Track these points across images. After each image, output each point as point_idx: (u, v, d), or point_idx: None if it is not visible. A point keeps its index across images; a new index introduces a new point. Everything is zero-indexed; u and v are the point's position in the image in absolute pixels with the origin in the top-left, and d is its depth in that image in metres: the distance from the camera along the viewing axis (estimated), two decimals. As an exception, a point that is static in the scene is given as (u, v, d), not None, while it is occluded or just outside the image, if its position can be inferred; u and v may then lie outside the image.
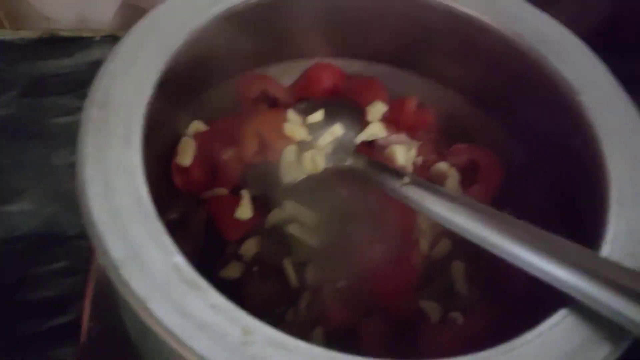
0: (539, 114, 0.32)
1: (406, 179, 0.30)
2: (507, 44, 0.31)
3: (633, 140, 0.27)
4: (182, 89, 0.33)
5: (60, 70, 0.56)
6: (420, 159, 0.36)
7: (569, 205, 0.31)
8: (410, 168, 0.35)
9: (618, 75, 0.53)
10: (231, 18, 0.30)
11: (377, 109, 0.36)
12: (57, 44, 0.57)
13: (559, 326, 0.22)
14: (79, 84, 0.55)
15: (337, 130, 0.35)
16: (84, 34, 0.57)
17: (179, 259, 0.20)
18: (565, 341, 0.21)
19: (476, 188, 0.35)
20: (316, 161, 0.34)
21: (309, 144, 0.35)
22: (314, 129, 0.36)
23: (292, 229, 0.34)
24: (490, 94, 0.36)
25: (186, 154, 0.34)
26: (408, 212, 0.33)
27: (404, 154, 0.34)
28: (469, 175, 0.35)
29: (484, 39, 0.32)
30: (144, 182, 0.22)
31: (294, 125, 0.34)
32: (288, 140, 0.34)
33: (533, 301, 0.31)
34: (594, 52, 0.31)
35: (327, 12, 0.34)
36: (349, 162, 0.34)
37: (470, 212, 0.26)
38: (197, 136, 0.36)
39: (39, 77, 0.55)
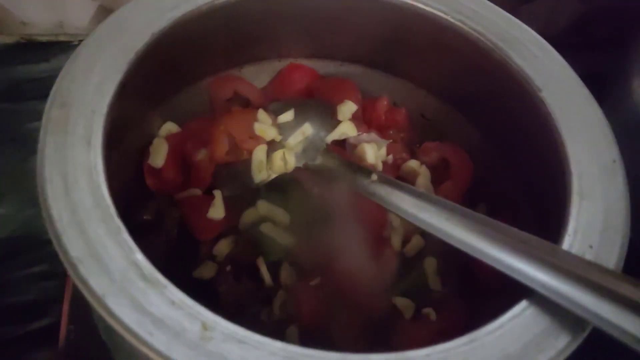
0: (505, 111, 0.33)
1: (374, 177, 0.30)
2: (471, 43, 0.31)
3: (593, 135, 0.27)
4: (152, 90, 0.33)
5: (37, 75, 0.56)
6: (390, 158, 0.36)
7: (537, 197, 0.31)
8: (380, 166, 0.35)
9: (590, 69, 0.54)
10: (197, 20, 0.30)
11: (347, 108, 0.36)
12: (34, 48, 0.57)
13: (519, 317, 0.22)
14: (57, 89, 0.55)
15: (307, 129, 0.35)
16: (61, 39, 0.57)
17: (138, 256, 0.20)
18: (526, 331, 0.22)
19: (447, 185, 0.35)
20: (287, 160, 0.34)
21: (280, 144, 0.35)
22: (284, 128, 0.36)
23: (265, 228, 0.34)
24: (459, 92, 0.37)
25: (158, 155, 0.34)
26: (380, 210, 0.34)
27: (373, 152, 0.35)
28: (440, 173, 0.36)
29: (449, 38, 0.32)
30: (105, 181, 0.22)
31: (264, 125, 0.35)
32: (259, 140, 0.35)
33: (505, 295, 0.31)
34: (555, 49, 0.31)
35: (298, 14, 0.34)
36: (319, 160, 0.34)
37: (435, 208, 0.26)
38: (170, 137, 0.36)
39: (16, 82, 0.55)
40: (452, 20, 0.32)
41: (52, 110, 0.23)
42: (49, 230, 0.21)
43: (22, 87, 0.55)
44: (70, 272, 0.20)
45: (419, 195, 0.27)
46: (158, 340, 0.18)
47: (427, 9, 0.32)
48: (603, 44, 0.61)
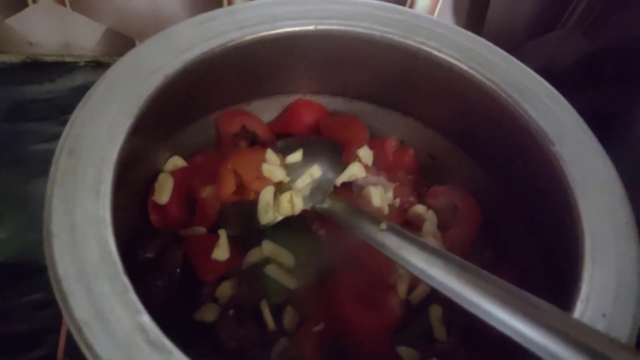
0: (516, 159, 0.32)
1: (383, 225, 0.29)
2: (483, 91, 0.31)
3: (607, 195, 0.27)
4: (159, 127, 0.33)
5: (42, 96, 0.55)
6: (397, 201, 0.35)
7: (547, 251, 0.31)
8: (386, 210, 0.35)
9: (596, 106, 0.54)
10: (210, 60, 0.29)
11: (365, 153, 0.36)
12: (39, 69, 0.57)
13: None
14: (60, 110, 0.54)
15: (316, 171, 0.35)
16: (67, 59, 0.57)
17: (145, 319, 0.20)
18: None
19: (455, 231, 0.35)
20: (294, 203, 0.33)
21: (288, 185, 0.35)
22: (292, 169, 0.35)
23: (269, 270, 0.33)
24: (469, 136, 0.36)
25: (164, 192, 0.34)
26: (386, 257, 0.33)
27: (380, 195, 0.34)
28: (447, 217, 0.35)
29: (461, 85, 0.32)
30: (112, 235, 0.22)
31: (272, 166, 0.34)
32: (266, 180, 0.34)
33: (511, 347, 0.31)
34: (560, 85, 0.31)
35: (308, 54, 0.34)
36: (326, 204, 0.34)
37: (445, 265, 0.26)
38: (175, 172, 0.35)
39: (20, 102, 0.54)
40: (465, 68, 0.31)
41: (61, 159, 0.23)
42: (54, 287, 0.20)
43: (26, 108, 0.54)
44: (75, 334, 0.19)
45: (428, 250, 0.27)
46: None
47: (441, 55, 0.32)
48: (609, 81, 0.61)
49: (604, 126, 0.48)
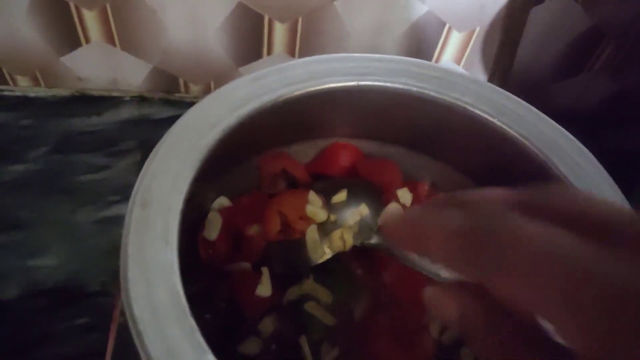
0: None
1: None
2: (514, 145, 0.33)
3: None
4: (210, 171, 0.35)
5: (89, 128, 0.58)
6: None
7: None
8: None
9: (621, 147, 0.55)
10: (261, 114, 0.32)
11: (404, 194, 0.38)
12: (87, 102, 0.60)
13: None
14: (107, 142, 0.57)
15: (364, 210, 0.37)
16: (114, 94, 0.60)
17: (210, 357, 0.22)
18: None
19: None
20: (345, 239, 0.35)
21: (333, 223, 0.37)
22: (336, 208, 0.38)
23: (309, 307, 0.35)
24: (499, 183, 0.38)
25: (213, 228, 0.36)
26: (420, 297, 0.35)
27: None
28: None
29: (494, 138, 0.34)
30: (180, 280, 0.24)
31: (315, 207, 0.36)
32: (309, 220, 0.36)
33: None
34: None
35: (348, 105, 0.37)
36: (375, 239, 0.36)
37: None
38: (223, 211, 0.38)
39: (69, 134, 0.58)
40: (497, 123, 0.34)
41: (134, 210, 0.26)
42: (131, 327, 0.22)
43: (74, 140, 0.57)
44: (151, 372, 0.21)
45: None
46: None
47: (475, 110, 0.34)
48: (634, 122, 0.62)
49: (629, 164, 0.49)
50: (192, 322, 0.23)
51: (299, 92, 0.33)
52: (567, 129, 0.33)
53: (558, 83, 0.61)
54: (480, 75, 0.58)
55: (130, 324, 0.22)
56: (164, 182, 0.27)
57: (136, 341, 0.22)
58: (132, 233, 0.25)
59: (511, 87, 0.35)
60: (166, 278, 0.24)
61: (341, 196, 0.37)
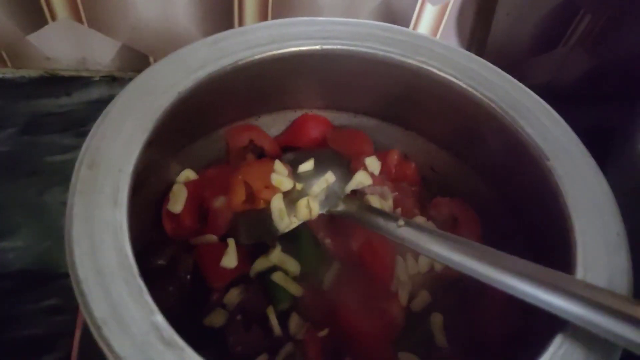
0: (514, 173, 0.34)
1: (401, 222, 0.31)
2: (482, 108, 0.32)
3: (599, 207, 0.28)
4: (172, 141, 0.35)
5: (59, 109, 0.57)
6: (398, 211, 0.37)
7: (542, 259, 0.32)
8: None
9: (599, 122, 0.55)
10: (220, 78, 0.31)
11: (372, 162, 0.38)
12: (56, 83, 0.59)
13: (560, 350, 0.23)
14: (77, 123, 0.56)
15: (330, 177, 0.36)
16: (83, 74, 0.59)
17: (159, 318, 0.21)
18: None
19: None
20: (312, 208, 0.35)
21: (300, 192, 0.36)
22: (304, 177, 0.37)
23: (276, 278, 0.35)
24: (470, 150, 0.38)
25: (178, 201, 0.36)
26: (387, 264, 0.35)
27: (379, 203, 0.36)
28: (448, 228, 0.37)
29: (460, 102, 0.33)
30: (129, 240, 0.23)
31: (281, 175, 0.36)
32: (274, 190, 0.36)
33: (510, 354, 0.32)
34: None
35: (314, 72, 0.36)
36: (341, 207, 0.35)
37: (465, 249, 0.27)
38: (188, 184, 0.37)
39: (38, 115, 0.56)
40: (464, 85, 0.33)
41: (81, 170, 0.25)
42: (75, 289, 0.21)
43: (43, 120, 0.56)
44: (94, 332, 0.20)
45: (449, 238, 0.29)
46: (175, 405, 0.19)
47: (440, 73, 0.33)
48: (612, 97, 0.62)
49: (606, 141, 0.49)
50: (141, 283, 0.22)
51: (259, 56, 0.32)
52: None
53: (535, 58, 0.60)
54: (456, 49, 0.58)
55: (74, 285, 0.22)
56: (115, 144, 0.26)
57: (80, 304, 0.21)
58: (78, 193, 0.24)
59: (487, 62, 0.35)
60: (114, 238, 0.23)
61: (308, 165, 0.37)
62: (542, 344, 0.25)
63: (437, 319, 0.34)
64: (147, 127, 0.27)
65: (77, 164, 0.25)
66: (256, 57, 0.32)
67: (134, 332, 0.21)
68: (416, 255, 0.36)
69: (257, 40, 0.33)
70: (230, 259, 0.34)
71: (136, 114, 0.27)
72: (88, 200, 0.24)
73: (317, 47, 0.33)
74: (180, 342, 0.21)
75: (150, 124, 0.27)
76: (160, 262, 0.35)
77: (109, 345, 0.20)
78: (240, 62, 0.31)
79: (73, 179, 0.25)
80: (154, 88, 0.29)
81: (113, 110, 0.27)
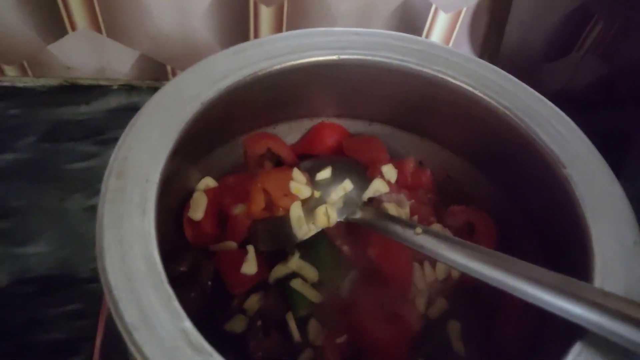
0: (530, 180, 0.34)
1: (418, 229, 0.31)
2: (497, 116, 0.33)
3: (616, 215, 0.28)
4: (193, 150, 0.35)
5: (78, 117, 0.58)
6: (415, 219, 0.37)
7: (560, 269, 0.32)
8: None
9: (612, 127, 0.55)
10: (241, 88, 0.32)
11: (388, 170, 0.38)
12: (76, 91, 0.60)
13: (579, 358, 0.24)
14: (96, 131, 0.57)
15: (347, 185, 0.37)
16: (102, 83, 0.60)
17: (187, 324, 0.22)
18: None
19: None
20: (330, 215, 0.35)
21: (315, 201, 0.37)
22: (322, 185, 0.37)
23: (295, 284, 0.35)
24: (486, 157, 0.38)
25: (198, 209, 0.36)
26: (405, 271, 0.35)
27: (395, 211, 0.36)
28: (464, 237, 0.37)
29: (476, 110, 0.34)
30: (157, 248, 0.24)
31: (299, 184, 0.36)
32: (293, 197, 0.36)
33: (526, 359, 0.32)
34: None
35: (330, 81, 0.36)
36: (359, 215, 0.36)
37: (482, 257, 0.28)
38: (208, 192, 0.38)
39: (58, 123, 0.58)
40: (479, 94, 0.33)
41: (110, 180, 0.25)
42: (106, 296, 0.22)
43: (63, 129, 0.57)
44: (125, 337, 0.21)
45: (467, 246, 0.29)
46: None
47: (456, 82, 0.34)
48: (625, 102, 0.62)
49: (621, 146, 0.49)
50: (169, 290, 0.23)
51: (279, 66, 0.32)
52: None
53: (548, 64, 0.61)
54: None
55: (106, 291, 0.22)
56: (141, 154, 0.27)
57: (112, 309, 0.22)
58: (107, 203, 0.25)
59: (501, 69, 0.35)
60: (143, 246, 0.24)
61: (325, 173, 0.37)
62: (560, 352, 0.25)
63: (454, 326, 0.34)
64: (173, 137, 0.28)
65: (106, 174, 0.26)
66: (275, 67, 0.33)
67: (164, 337, 0.21)
68: (433, 262, 0.36)
69: (275, 51, 0.33)
70: (250, 266, 0.35)
71: (161, 124, 0.28)
72: (117, 210, 0.25)
73: (334, 57, 0.34)
74: (208, 348, 0.22)
75: (175, 134, 0.28)
76: (182, 268, 0.36)
77: (140, 350, 0.21)
78: (260, 73, 0.32)
79: (102, 189, 0.25)
80: (178, 99, 0.29)
81: (139, 120, 0.28)
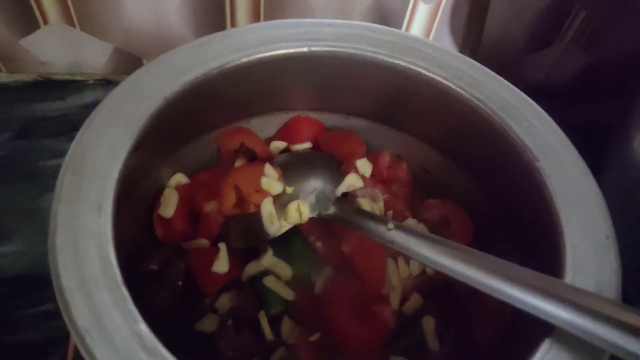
0: (505, 173, 0.34)
1: (390, 225, 0.31)
2: (470, 108, 0.32)
3: (588, 209, 0.28)
4: (161, 144, 0.34)
5: (53, 113, 0.57)
6: (390, 214, 0.37)
7: (531, 263, 0.32)
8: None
9: (595, 119, 0.55)
10: (208, 82, 0.31)
11: (362, 164, 0.38)
12: (50, 87, 0.59)
13: (548, 355, 0.23)
14: (71, 127, 0.56)
15: (319, 182, 0.36)
16: (77, 78, 0.59)
17: (142, 327, 0.21)
18: None
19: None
20: (302, 211, 0.35)
21: (291, 196, 0.36)
22: (294, 180, 0.37)
23: (268, 282, 0.34)
24: (462, 150, 0.37)
25: (169, 206, 0.35)
26: (378, 268, 0.34)
27: (369, 206, 0.35)
28: (440, 231, 0.36)
29: (449, 103, 0.33)
30: (113, 249, 0.23)
31: (270, 179, 0.36)
32: (265, 193, 0.35)
33: (502, 356, 0.32)
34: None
35: (304, 74, 0.36)
36: (332, 210, 0.35)
37: (455, 253, 0.27)
38: (179, 188, 0.37)
39: (32, 119, 0.56)
40: (452, 86, 0.33)
41: (65, 177, 0.25)
42: (58, 297, 0.21)
43: (38, 125, 0.56)
44: (77, 341, 0.20)
45: (438, 242, 0.29)
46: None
47: (429, 74, 0.33)
48: (608, 94, 0.62)
49: (602, 137, 0.49)
50: (124, 291, 0.22)
51: (247, 59, 0.32)
52: (540, 103, 0.32)
53: (530, 56, 0.60)
54: (450, 48, 0.57)
55: (57, 294, 0.22)
56: (99, 150, 0.26)
57: (63, 312, 0.21)
58: (62, 201, 0.24)
59: (482, 61, 0.34)
60: (98, 247, 0.23)
61: (298, 168, 0.37)
62: (532, 348, 0.24)
63: (429, 323, 0.34)
64: (133, 133, 0.27)
65: (61, 171, 0.25)
66: (243, 60, 0.32)
67: (117, 341, 0.21)
68: (408, 258, 0.35)
69: (243, 43, 0.32)
70: (221, 264, 0.34)
71: (121, 119, 0.27)
72: (72, 208, 0.24)
73: (304, 49, 0.33)
74: (164, 351, 0.21)
75: (135, 129, 0.27)
76: (152, 267, 0.35)
77: (91, 355, 0.20)
78: (227, 65, 0.31)
79: (57, 186, 0.24)
80: (140, 93, 0.29)
81: (98, 116, 0.27)
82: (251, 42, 0.33)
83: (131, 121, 0.27)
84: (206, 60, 0.31)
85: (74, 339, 0.21)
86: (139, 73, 0.30)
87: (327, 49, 0.33)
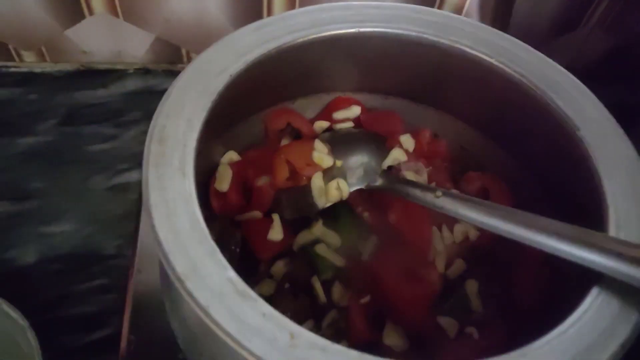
0: (544, 147, 0.36)
1: (438, 192, 0.33)
2: (512, 84, 0.34)
3: (628, 172, 0.30)
4: (218, 123, 0.37)
5: (96, 101, 0.60)
6: (433, 185, 0.39)
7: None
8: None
9: (619, 101, 0.56)
10: (266, 61, 0.33)
11: (406, 140, 0.40)
12: (92, 75, 0.61)
13: (597, 300, 0.25)
14: (113, 113, 0.59)
15: (365, 156, 0.38)
16: (118, 67, 0.62)
17: (232, 274, 0.24)
18: (604, 315, 0.25)
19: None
20: (342, 189, 0.37)
21: (340, 169, 0.38)
22: (341, 155, 0.39)
23: (319, 249, 0.37)
24: (500, 127, 0.39)
25: (224, 180, 0.38)
26: (424, 235, 0.37)
27: (413, 178, 0.38)
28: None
29: (491, 79, 0.35)
30: (198, 207, 0.25)
31: (321, 153, 0.38)
32: (316, 167, 0.38)
33: (542, 317, 0.34)
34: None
35: (349, 54, 0.38)
36: (379, 182, 0.37)
37: (502, 213, 0.29)
38: (232, 164, 0.39)
39: (76, 106, 0.59)
40: (495, 62, 0.35)
41: (152, 145, 0.27)
42: (157, 249, 0.24)
43: (82, 112, 0.59)
44: (178, 285, 0.23)
45: (485, 204, 0.31)
46: (256, 346, 0.22)
47: (472, 52, 0.35)
48: (631, 76, 0.63)
49: (631, 116, 0.50)
50: (213, 244, 0.24)
51: (302, 40, 0.34)
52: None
53: (556, 39, 0.62)
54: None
55: (156, 245, 0.24)
56: (178, 122, 0.28)
57: (163, 261, 0.24)
58: (151, 165, 0.26)
59: None
60: (186, 206, 0.25)
61: (345, 144, 0.39)
62: (575, 303, 0.26)
63: (472, 285, 0.36)
64: (206, 107, 0.29)
65: (147, 140, 0.27)
66: (298, 40, 0.34)
67: (212, 285, 0.23)
68: (451, 226, 0.38)
69: (298, 25, 0.35)
70: (276, 233, 0.37)
71: (195, 95, 0.30)
72: (160, 172, 0.26)
73: (354, 30, 0.35)
74: (253, 294, 0.23)
75: (208, 103, 0.29)
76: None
77: (192, 296, 0.22)
78: (284, 46, 0.34)
79: (145, 153, 0.27)
80: (209, 71, 0.31)
81: (174, 92, 0.30)
82: (304, 24, 0.35)
83: (204, 95, 0.30)
84: (265, 41, 0.33)
85: (173, 283, 0.23)
86: (205, 54, 0.32)
87: (375, 29, 0.35)
